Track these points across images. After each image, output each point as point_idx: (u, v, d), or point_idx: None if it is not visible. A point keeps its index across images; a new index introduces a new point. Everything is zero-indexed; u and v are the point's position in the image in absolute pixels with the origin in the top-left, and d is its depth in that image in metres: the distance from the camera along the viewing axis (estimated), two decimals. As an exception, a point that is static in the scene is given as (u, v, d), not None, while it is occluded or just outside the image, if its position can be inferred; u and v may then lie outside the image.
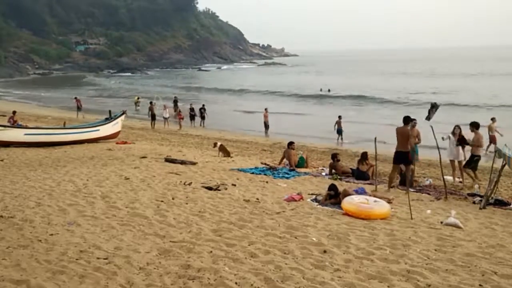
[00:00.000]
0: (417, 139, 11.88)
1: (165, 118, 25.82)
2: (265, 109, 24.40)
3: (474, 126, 10.65)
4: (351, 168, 12.43)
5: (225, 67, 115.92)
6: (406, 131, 9.94)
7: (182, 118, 25.43)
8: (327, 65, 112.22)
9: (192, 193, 8.86)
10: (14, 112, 20.80)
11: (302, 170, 12.56)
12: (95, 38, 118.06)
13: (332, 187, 8.69)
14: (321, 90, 47.19)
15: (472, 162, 10.56)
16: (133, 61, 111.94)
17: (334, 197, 8.45)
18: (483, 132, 11.95)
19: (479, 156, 10.40)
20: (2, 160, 12.54)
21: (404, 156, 9.91)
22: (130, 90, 55.10)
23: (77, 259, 5.11)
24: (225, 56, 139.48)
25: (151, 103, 26.56)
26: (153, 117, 25.29)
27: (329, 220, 7.18)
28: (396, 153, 10.03)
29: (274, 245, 5.77)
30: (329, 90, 46.62)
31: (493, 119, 16.87)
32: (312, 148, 17.85)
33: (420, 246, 5.88)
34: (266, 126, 23.68)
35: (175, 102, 31.86)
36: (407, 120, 10.03)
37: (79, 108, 30.13)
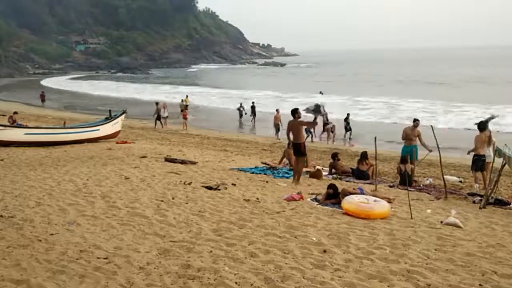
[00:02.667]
0: (417, 139, 11.92)
1: (164, 118, 25.82)
2: (277, 110, 22.82)
3: (478, 126, 10.66)
4: (351, 168, 12.44)
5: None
6: (295, 124, 10.60)
7: (186, 118, 25.40)
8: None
9: (192, 192, 8.85)
10: (15, 113, 20.77)
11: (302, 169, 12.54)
12: (95, 37, 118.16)
13: (331, 186, 8.69)
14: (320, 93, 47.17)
15: (473, 163, 10.55)
16: (133, 60, 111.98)
17: (333, 196, 8.45)
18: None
19: (478, 156, 10.39)
20: (2, 160, 12.54)
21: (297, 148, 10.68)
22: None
23: (77, 259, 5.11)
24: (225, 55, 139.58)
25: (157, 103, 26.60)
26: (158, 118, 25.35)
27: (329, 220, 7.18)
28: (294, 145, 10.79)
29: (274, 244, 5.77)
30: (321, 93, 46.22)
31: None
32: (312, 148, 17.84)
33: (420, 246, 5.88)
34: (277, 128, 21.88)
35: (253, 108, 27.77)
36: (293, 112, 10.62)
37: None
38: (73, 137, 16.40)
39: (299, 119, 10.62)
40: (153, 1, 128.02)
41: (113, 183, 9.49)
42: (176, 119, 27.28)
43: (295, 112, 10.62)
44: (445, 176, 10.09)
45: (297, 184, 10.37)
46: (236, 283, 4.52)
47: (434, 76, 65.76)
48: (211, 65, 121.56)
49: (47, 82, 70.40)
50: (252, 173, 11.62)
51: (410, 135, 11.95)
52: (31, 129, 17.14)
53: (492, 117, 11.45)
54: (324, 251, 5.57)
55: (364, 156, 12.02)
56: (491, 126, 10.97)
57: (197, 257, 5.23)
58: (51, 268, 4.82)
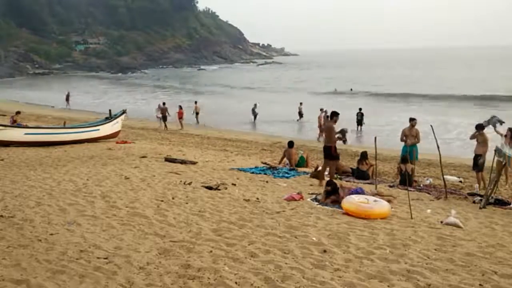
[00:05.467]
0: (416, 139, 11.94)
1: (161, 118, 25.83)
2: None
3: (477, 127, 10.69)
4: (351, 168, 12.44)
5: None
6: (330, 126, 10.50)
7: (181, 118, 25.44)
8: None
9: (192, 192, 8.85)
10: (17, 112, 20.67)
11: (302, 169, 12.56)
12: (95, 37, 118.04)
13: (330, 183, 8.70)
14: (335, 90, 46.34)
15: (474, 163, 10.58)
16: (133, 60, 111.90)
17: (332, 193, 8.45)
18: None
19: (480, 155, 10.43)
20: (2, 160, 12.54)
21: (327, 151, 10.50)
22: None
23: (77, 259, 5.11)
24: (225, 55, 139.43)
25: (160, 104, 26.62)
26: (164, 118, 25.24)
27: (329, 220, 7.18)
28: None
29: (274, 244, 5.77)
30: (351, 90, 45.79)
31: (322, 110, 21.39)
32: (312, 148, 17.86)
33: (420, 246, 5.88)
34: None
35: (361, 115, 23.63)
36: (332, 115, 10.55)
37: None
38: (73, 137, 16.40)
39: (334, 124, 10.54)
40: (153, 1, 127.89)
41: (113, 183, 9.49)
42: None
43: (334, 114, 10.49)
44: (445, 176, 10.09)
45: (321, 185, 10.10)
46: (236, 283, 4.53)
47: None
48: (215, 65, 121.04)
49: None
50: (252, 173, 11.62)
51: (409, 135, 11.97)
52: (31, 129, 17.14)
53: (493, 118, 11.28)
54: (324, 251, 5.57)
55: (364, 156, 12.03)
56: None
57: (197, 257, 5.23)
58: (51, 268, 4.83)
